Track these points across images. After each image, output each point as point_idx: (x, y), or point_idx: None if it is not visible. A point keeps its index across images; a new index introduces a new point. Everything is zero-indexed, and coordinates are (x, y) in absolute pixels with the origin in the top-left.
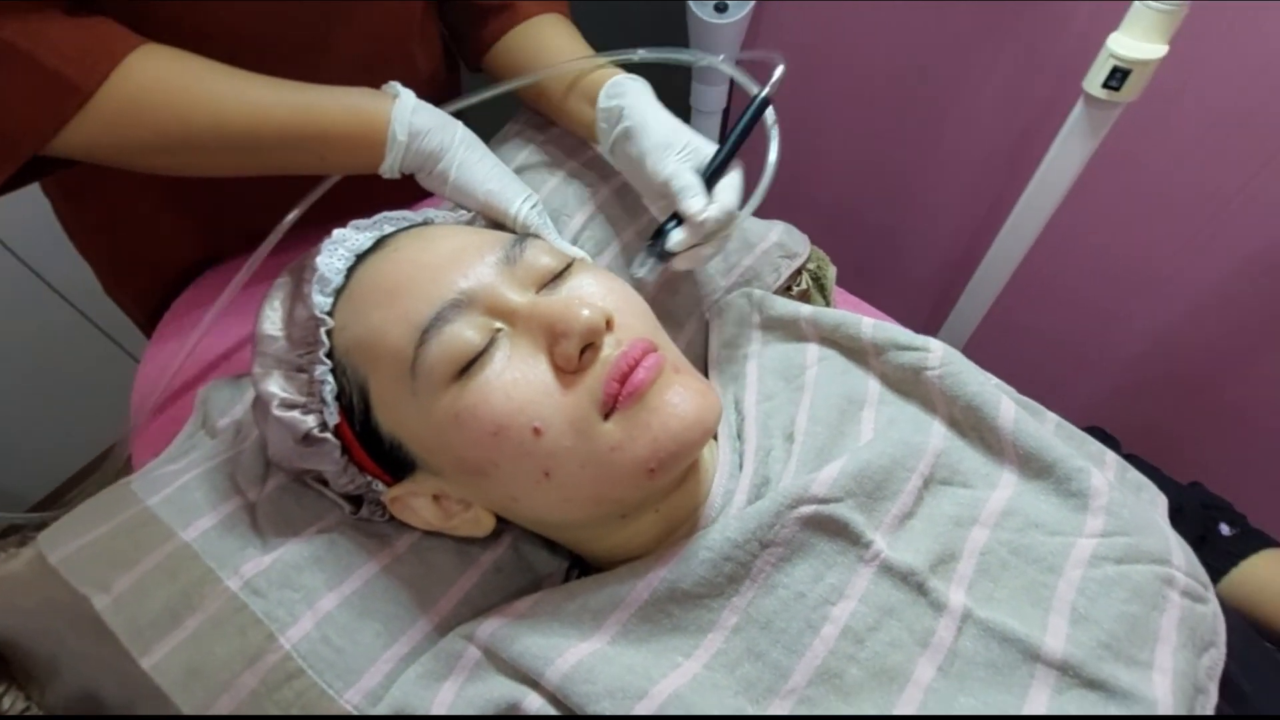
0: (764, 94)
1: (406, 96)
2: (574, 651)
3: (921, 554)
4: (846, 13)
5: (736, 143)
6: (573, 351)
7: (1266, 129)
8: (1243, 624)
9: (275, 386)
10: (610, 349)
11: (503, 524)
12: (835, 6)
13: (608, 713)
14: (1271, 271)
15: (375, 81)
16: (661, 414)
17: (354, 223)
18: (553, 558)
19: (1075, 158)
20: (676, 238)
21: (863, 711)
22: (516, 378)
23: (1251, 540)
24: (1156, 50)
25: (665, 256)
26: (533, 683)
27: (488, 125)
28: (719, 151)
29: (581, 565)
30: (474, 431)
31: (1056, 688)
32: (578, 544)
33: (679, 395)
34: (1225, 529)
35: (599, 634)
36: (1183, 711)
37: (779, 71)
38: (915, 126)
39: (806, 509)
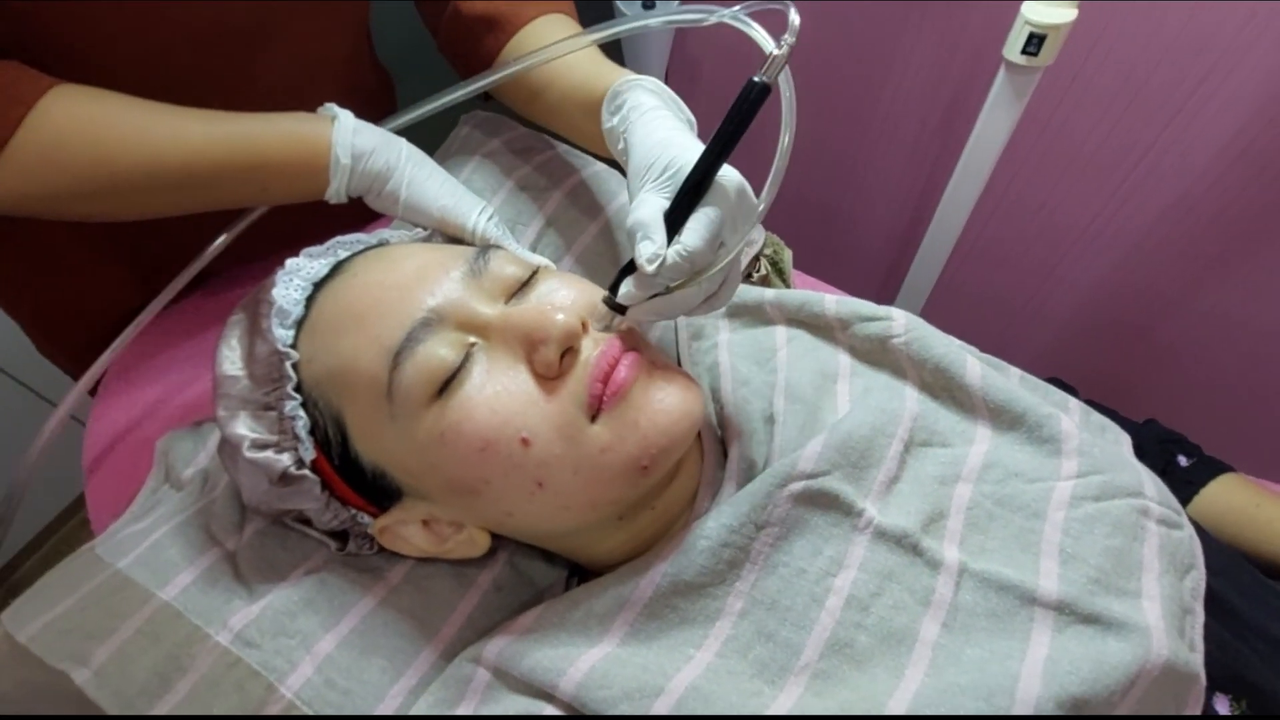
0: (761, 80)
1: (345, 118)
2: (585, 659)
3: (912, 516)
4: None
5: (719, 155)
6: (553, 357)
7: (1171, 82)
8: (1224, 545)
9: (243, 428)
10: (589, 351)
11: (497, 541)
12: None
13: (626, 714)
14: (1188, 215)
15: (307, 107)
16: (648, 411)
17: (306, 250)
18: (551, 568)
19: (1003, 123)
20: (624, 290)
21: (875, 675)
22: (498, 390)
23: (1209, 468)
24: (1068, 14)
25: (621, 309)
26: (547, 696)
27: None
28: (691, 172)
29: (581, 572)
30: (461, 450)
31: (1056, 627)
32: (576, 551)
33: (662, 390)
34: (1183, 460)
35: (608, 637)
36: (1172, 631)
37: (786, 41)
38: (849, 107)
39: (796, 485)
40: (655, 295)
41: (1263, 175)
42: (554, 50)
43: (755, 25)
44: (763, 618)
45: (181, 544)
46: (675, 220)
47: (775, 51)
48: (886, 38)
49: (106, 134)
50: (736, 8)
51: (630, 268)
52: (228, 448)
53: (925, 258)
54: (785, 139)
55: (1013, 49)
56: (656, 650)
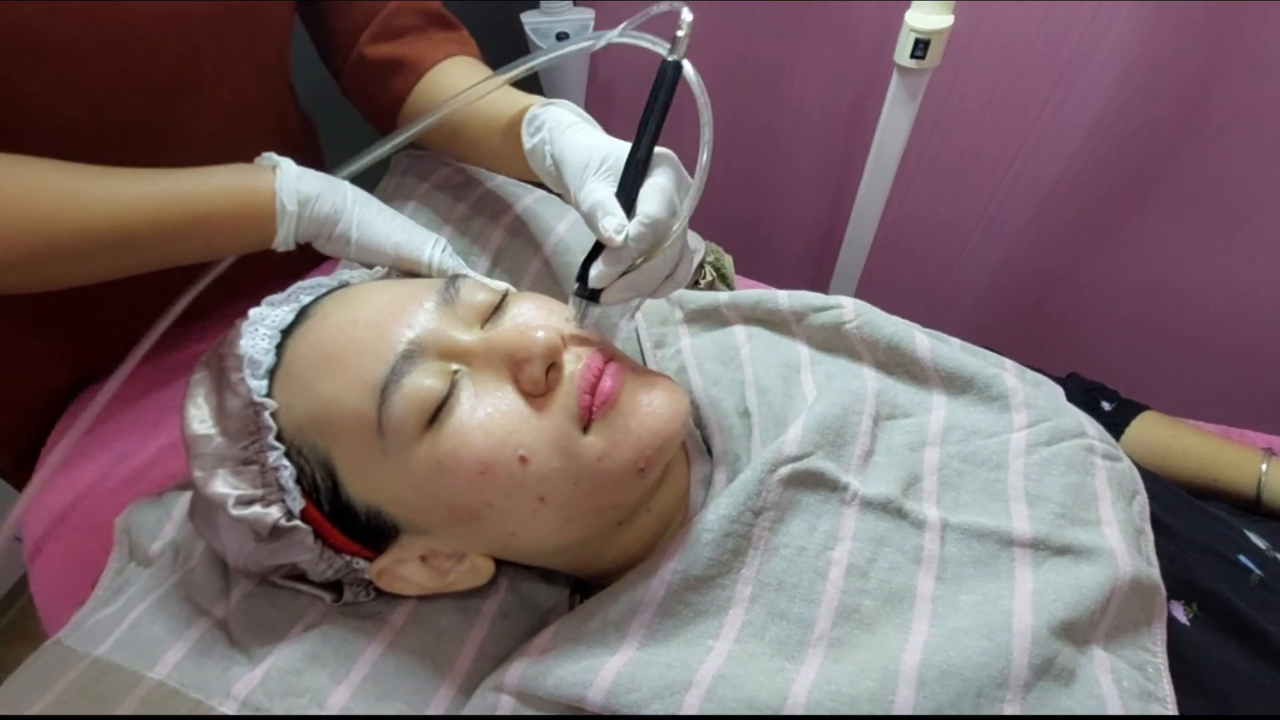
0: (675, 58)
1: (287, 165)
2: (609, 667)
3: (891, 483)
4: (674, 21)
5: (654, 133)
6: (539, 374)
7: (1039, 75)
8: (1148, 473)
9: (224, 486)
10: (572, 364)
11: (496, 568)
12: (661, 18)
13: (659, 713)
14: (1070, 194)
15: (241, 157)
16: (639, 415)
17: (267, 299)
18: (552, 589)
19: (902, 122)
20: (595, 271)
21: (886, 633)
22: (490, 412)
23: (1129, 409)
24: (946, 20)
25: (594, 296)
26: (576, 710)
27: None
28: (632, 151)
29: (583, 588)
30: (461, 475)
31: (1034, 562)
32: (578, 565)
33: (649, 394)
34: (1106, 405)
35: (627, 643)
36: (1132, 550)
37: (686, 23)
38: (757, 121)
39: (785, 469)
40: (625, 273)
41: (1127, 148)
42: (475, 92)
43: (645, 36)
44: (773, 598)
45: (165, 619)
46: (626, 199)
47: (679, 33)
48: (784, 54)
49: (39, 200)
50: (622, 26)
51: (592, 257)
52: (208, 509)
53: (848, 256)
54: (706, 135)
55: (902, 54)
56: (677, 646)
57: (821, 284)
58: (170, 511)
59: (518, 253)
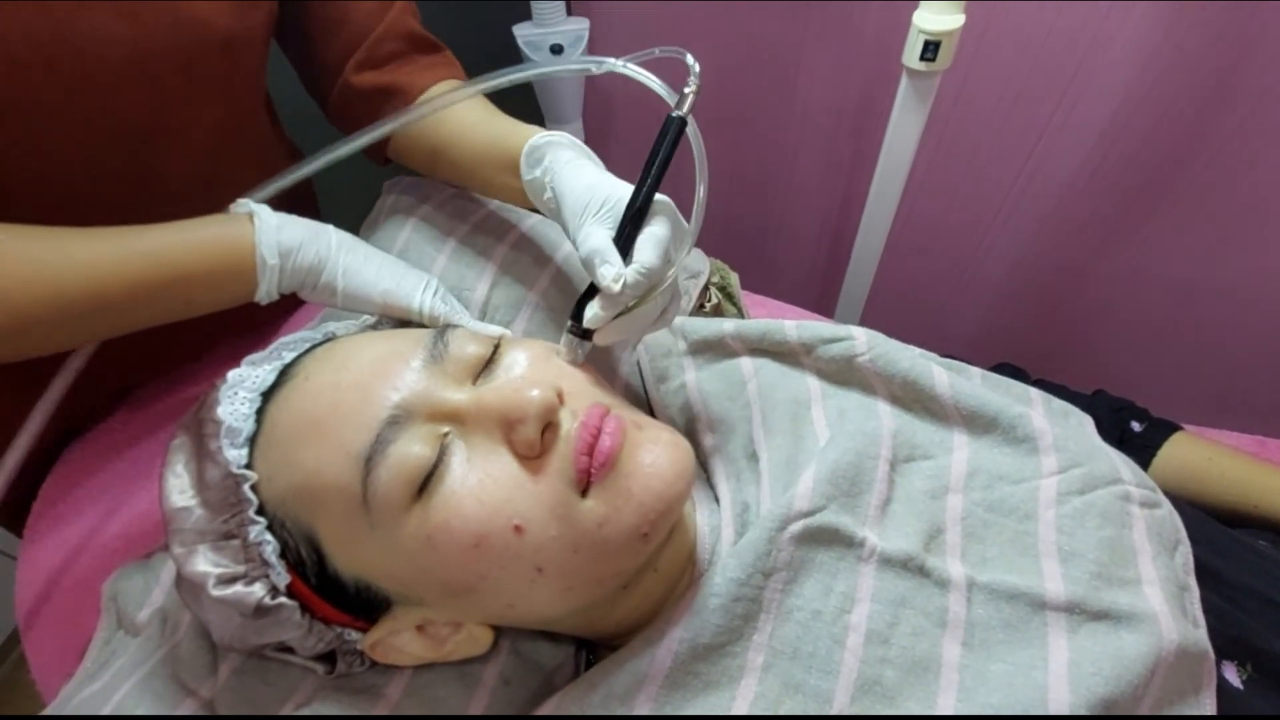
0: (681, 114)
1: (265, 214)
2: None
3: (911, 536)
4: (674, 29)
5: (654, 183)
6: (533, 436)
7: (1057, 67)
8: (1192, 510)
9: (205, 563)
10: (568, 423)
11: (497, 630)
12: (660, 27)
13: None
14: (1089, 187)
15: (221, 198)
16: (640, 477)
17: (249, 359)
18: (557, 648)
19: (913, 126)
20: (590, 313)
21: (909, 708)
22: (482, 479)
23: (1161, 430)
24: (956, 20)
25: (587, 335)
26: None
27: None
28: (632, 199)
29: (589, 645)
30: (453, 549)
31: (1070, 628)
32: (583, 629)
33: (651, 453)
34: (1136, 425)
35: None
36: (1176, 612)
37: (693, 81)
38: (762, 125)
39: (796, 526)
40: (618, 316)
41: (1146, 143)
42: (441, 101)
43: (644, 73)
44: (787, 668)
45: (150, 700)
46: (623, 245)
47: (687, 90)
48: (787, 57)
49: (4, 272)
50: (625, 57)
51: (586, 297)
52: (190, 586)
53: (859, 259)
54: (700, 190)
55: (911, 56)
56: None
57: (832, 292)
58: (158, 575)
59: (524, 271)
